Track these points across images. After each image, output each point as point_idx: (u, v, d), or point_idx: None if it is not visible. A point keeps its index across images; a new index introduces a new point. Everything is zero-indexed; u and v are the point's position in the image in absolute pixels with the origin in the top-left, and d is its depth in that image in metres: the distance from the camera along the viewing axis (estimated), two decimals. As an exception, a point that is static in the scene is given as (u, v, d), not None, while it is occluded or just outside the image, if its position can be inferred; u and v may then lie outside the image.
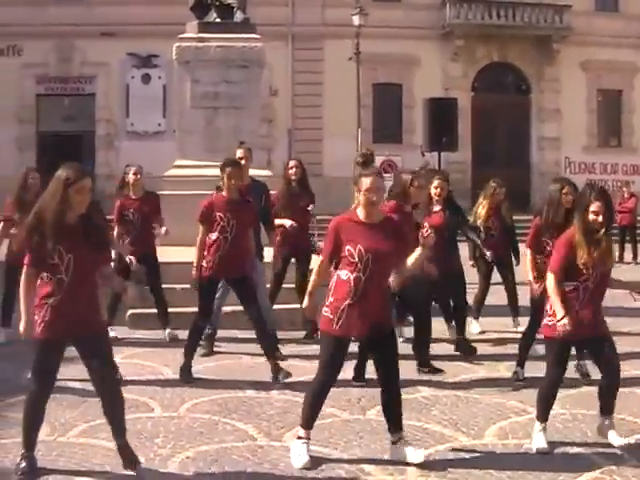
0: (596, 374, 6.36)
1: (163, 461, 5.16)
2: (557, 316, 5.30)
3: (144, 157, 10.75)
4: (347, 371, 6.51)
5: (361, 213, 5.22)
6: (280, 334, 8.52)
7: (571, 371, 6.56)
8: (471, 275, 9.38)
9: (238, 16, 11.85)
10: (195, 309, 7.43)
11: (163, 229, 9.01)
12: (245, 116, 11.55)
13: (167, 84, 26.46)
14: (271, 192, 8.82)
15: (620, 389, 5.61)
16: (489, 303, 9.86)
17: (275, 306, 8.82)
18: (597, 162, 30.03)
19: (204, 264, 7.30)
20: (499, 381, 7.31)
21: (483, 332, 9.32)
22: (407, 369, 6.68)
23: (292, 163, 9.32)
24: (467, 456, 5.41)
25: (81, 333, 4.77)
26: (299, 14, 28.59)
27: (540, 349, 6.84)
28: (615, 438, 5.53)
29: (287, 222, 8.83)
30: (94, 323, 4.85)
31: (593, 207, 5.34)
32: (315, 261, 7.79)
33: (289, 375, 7.03)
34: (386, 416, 5.34)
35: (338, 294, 5.15)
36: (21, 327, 4.85)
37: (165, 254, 9.37)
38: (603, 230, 5.35)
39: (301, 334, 8.87)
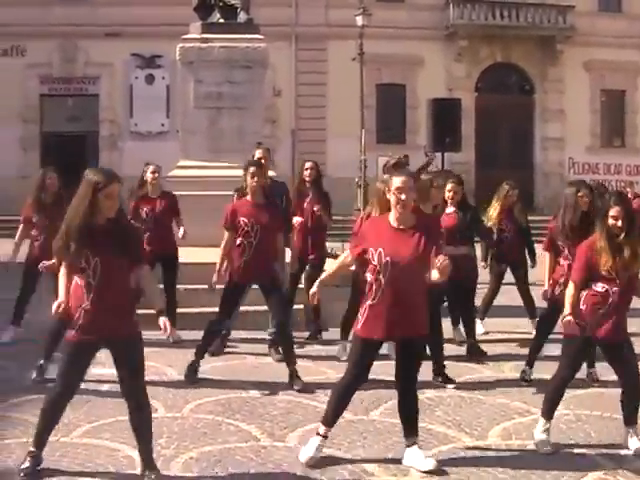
0: (606, 376, 6.38)
1: (167, 462, 5.16)
2: (564, 312, 5.34)
3: (147, 157, 10.67)
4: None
5: (392, 216, 5.21)
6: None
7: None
8: (483, 274, 9.33)
9: (242, 17, 11.83)
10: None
11: (181, 230, 8.89)
12: (249, 116, 11.52)
13: (171, 84, 26.51)
14: None
15: None
16: (499, 303, 9.83)
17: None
18: (601, 162, 30.00)
19: (231, 268, 7.23)
20: (503, 382, 7.30)
21: (487, 333, 9.29)
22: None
23: (308, 164, 9.15)
24: (470, 457, 5.40)
25: (112, 337, 4.75)
26: (303, 15, 28.60)
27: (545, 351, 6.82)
28: (634, 442, 5.48)
29: (296, 219, 8.82)
30: (124, 327, 4.78)
31: (612, 212, 5.34)
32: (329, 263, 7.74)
33: (304, 385, 6.94)
34: (402, 420, 5.34)
35: (365, 296, 5.22)
36: (54, 306, 4.80)
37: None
38: (623, 234, 5.34)
39: (304, 334, 8.85)
